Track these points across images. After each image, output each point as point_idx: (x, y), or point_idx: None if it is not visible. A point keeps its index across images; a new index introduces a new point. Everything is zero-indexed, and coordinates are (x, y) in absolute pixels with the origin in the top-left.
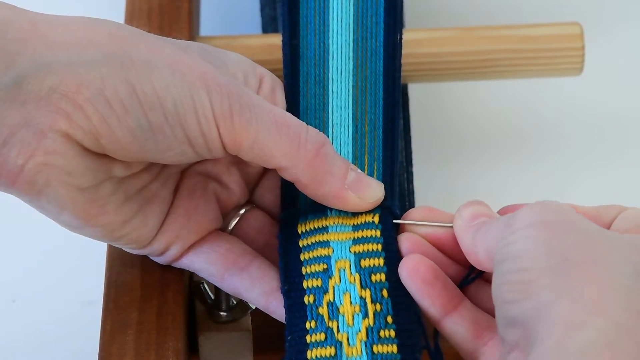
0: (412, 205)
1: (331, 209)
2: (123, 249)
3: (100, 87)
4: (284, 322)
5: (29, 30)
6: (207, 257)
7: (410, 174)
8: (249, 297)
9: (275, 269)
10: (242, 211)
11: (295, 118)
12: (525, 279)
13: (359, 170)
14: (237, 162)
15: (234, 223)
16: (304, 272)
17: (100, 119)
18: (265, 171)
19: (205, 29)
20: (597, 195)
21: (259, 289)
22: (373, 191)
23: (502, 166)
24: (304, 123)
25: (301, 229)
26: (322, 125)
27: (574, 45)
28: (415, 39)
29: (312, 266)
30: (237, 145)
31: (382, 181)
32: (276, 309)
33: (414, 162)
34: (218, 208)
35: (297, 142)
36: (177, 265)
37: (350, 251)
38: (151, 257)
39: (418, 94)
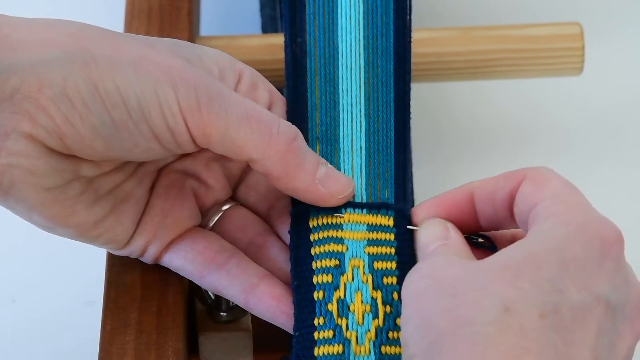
0: (411, 205)
1: (345, 207)
2: (105, 249)
3: (62, 86)
4: (266, 319)
5: None
6: (185, 255)
7: (410, 174)
8: (228, 294)
9: (255, 265)
10: (224, 208)
11: (267, 111)
12: None
13: (330, 165)
14: (218, 158)
15: (215, 220)
16: (314, 267)
17: (63, 118)
18: (249, 168)
19: (205, 29)
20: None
21: (237, 285)
22: (343, 186)
23: (502, 167)
24: (276, 116)
25: (312, 223)
26: (332, 123)
27: (574, 45)
28: (415, 39)
29: (323, 261)
30: (207, 137)
31: (395, 183)
32: (255, 305)
33: (414, 162)
34: (196, 205)
35: (268, 135)
36: (161, 264)
37: (364, 251)
38: (133, 258)
39: (417, 93)
